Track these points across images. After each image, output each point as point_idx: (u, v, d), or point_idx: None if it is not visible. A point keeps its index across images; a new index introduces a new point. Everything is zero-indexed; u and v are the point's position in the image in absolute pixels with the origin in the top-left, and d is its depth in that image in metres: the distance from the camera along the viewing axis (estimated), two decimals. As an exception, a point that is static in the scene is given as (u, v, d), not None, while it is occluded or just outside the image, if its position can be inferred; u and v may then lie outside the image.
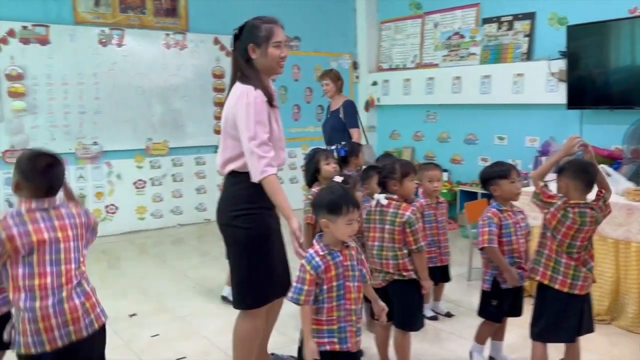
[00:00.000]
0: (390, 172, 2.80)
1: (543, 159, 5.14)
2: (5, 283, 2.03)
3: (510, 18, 5.95)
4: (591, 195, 2.62)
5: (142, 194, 6.44)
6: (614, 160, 4.58)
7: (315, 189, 3.36)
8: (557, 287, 2.59)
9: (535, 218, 3.85)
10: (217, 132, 6.30)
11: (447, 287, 3.90)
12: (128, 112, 6.23)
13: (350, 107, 5.14)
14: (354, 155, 4.12)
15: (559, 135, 5.40)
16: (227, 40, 6.22)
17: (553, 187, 2.70)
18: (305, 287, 2.11)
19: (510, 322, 3.09)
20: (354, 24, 7.74)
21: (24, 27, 5.60)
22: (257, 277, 2.51)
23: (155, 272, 4.96)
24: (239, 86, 2.48)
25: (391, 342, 2.95)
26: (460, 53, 6.43)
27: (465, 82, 6.32)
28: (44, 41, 5.71)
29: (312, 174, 3.61)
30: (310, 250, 2.18)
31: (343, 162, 4.06)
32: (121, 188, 6.30)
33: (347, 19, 7.68)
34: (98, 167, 6.15)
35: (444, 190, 5.87)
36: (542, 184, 2.67)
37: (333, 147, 4.91)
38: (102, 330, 2.20)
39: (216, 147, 2.61)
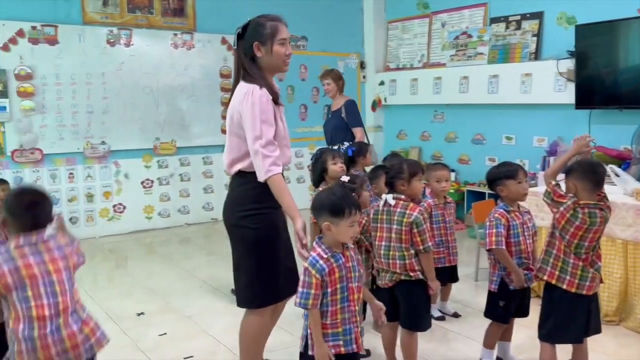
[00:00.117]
0: (397, 172, 2.79)
1: (551, 159, 5.13)
2: (6, 313, 2.06)
3: (518, 17, 5.93)
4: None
5: (149, 193, 6.47)
6: (622, 161, 4.55)
7: (322, 189, 3.36)
8: (564, 287, 2.57)
9: (543, 219, 3.85)
10: (224, 131, 6.33)
11: (454, 287, 3.89)
12: (136, 111, 6.26)
13: (352, 107, 5.15)
14: (362, 155, 4.11)
15: (567, 135, 5.38)
16: (235, 40, 6.23)
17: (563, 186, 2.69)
18: (312, 291, 2.09)
19: (518, 322, 3.08)
20: (361, 23, 7.73)
21: (33, 27, 5.64)
22: (265, 277, 2.51)
23: (163, 271, 4.98)
24: (243, 85, 2.47)
25: (398, 342, 2.94)
26: (468, 53, 6.41)
27: (473, 81, 6.30)
28: (52, 41, 5.75)
29: (319, 174, 3.61)
30: (313, 254, 2.15)
31: (351, 161, 4.06)
32: (129, 187, 6.32)
33: (354, 18, 7.68)
34: (106, 166, 6.18)
35: (451, 191, 5.86)
36: (553, 183, 2.66)
37: (338, 147, 4.93)
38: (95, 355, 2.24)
39: (224, 146, 2.60)
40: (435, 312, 3.71)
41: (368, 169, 4.10)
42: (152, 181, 6.47)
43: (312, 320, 2.13)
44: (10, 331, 2.05)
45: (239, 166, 2.51)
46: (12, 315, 2.03)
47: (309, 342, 2.16)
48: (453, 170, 6.18)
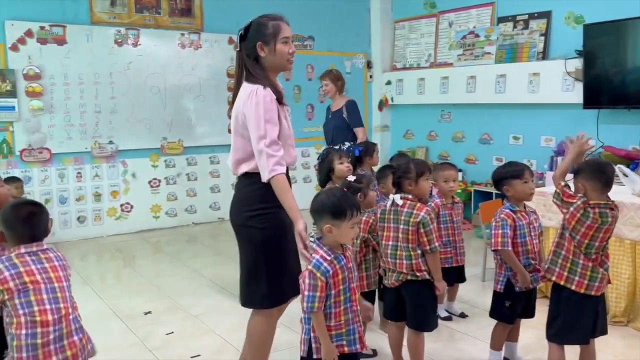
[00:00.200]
0: (405, 171, 2.79)
1: (559, 159, 5.11)
2: (8, 319, 2.07)
3: (525, 17, 5.91)
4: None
5: (156, 192, 6.49)
6: (631, 161, 4.52)
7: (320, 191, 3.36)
8: (573, 287, 2.56)
9: (550, 219, 3.84)
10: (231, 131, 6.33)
11: (461, 287, 3.88)
12: (143, 111, 6.28)
13: (353, 107, 5.16)
14: (368, 155, 4.12)
15: (575, 134, 5.33)
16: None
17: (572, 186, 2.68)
18: (318, 294, 2.08)
19: (525, 322, 3.07)
20: (368, 23, 7.72)
21: (42, 28, 5.67)
22: (273, 277, 2.51)
23: (170, 270, 5.00)
24: (247, 86, 2.48)
25: (405, 342, 2.94)
26: (475, 52, 6.40)
27: (480, 81, 6.28)
28: (61, 41, 5.78)
29: (326, 174, 3.62)
30: (316, 256, 2.14)
31: (357, 161, 4.06)
32: (136, 187, 6.35)
33: (361, 18, 7.67)
34: (113, 166, 6.20)
35: (458, 190, 5.84)
36: (562, 183, 2.65)
37: (339, 147, 4.95)
38: None
39: (230, 146, 2.61)
40: (442, 312, 3.70)
41: (375, 168, 4.10)
42: (160, 180, 6.49)
43: (317, 323, 2.12)
44: (10, 338, 2.05)
45: (244, 168, 2.51)
46: (14, 321, 2.03)
47: (313, 345, 2.15)
48: (460, 170, 6.17)
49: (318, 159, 3.82)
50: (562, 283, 2.60)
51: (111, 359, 3.27)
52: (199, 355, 3.29)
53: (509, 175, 2.89)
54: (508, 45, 6.06)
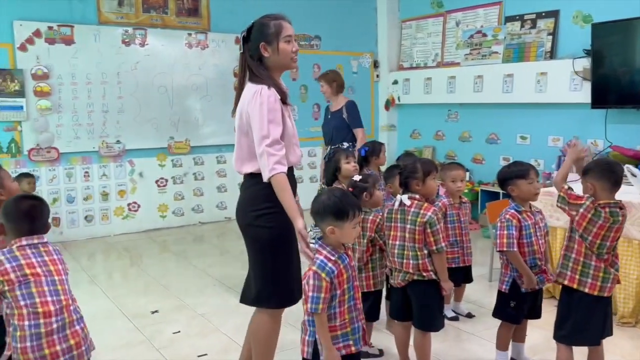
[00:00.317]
0: (412, 171, 2.78)
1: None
2: (9, 310, 2.09)
3: (533, 16, 5.88)
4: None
5: (163, 192, 6.51)
6: (639, 161, 4.50)
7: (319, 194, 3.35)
8: (586, 290, 2.54)
9: (558, 219, 3.82)
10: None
11: (468, 287, 3.87)
12: (150, 111, 6.30)
13: (353, 108, 5.18)
14: (375, 155, 4.11)
15: (583, 134, 5.34)
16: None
17: (576, 189, 2.67)
18: (322, 295, 2.07)
19: (531, 323, 3.06)
20: (374, 22, 7.71)
21: (50, 28, 5.70)
22: (281, 276, 2.51)
23: (177, 269, 5.01)
24: (251, 86, 2.48)
25: (412, 342, 2.94)
26: (483, 52, 6.38)
27: (487, 81, 6.26)
28: (68, 41, 5.80)
29: (333, 173, 3.62)
30: (320, 257, 2.13)
31: (364, 161, 4.07)
32: (143, 186, 6.37)
33: (367, 17, 7.66)
34: (121, 165, 6.23)
35: (465, 190, 5.83)
36: (566, 186, 2.63)
37: (337, 147, 4.96)
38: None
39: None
40: (448, 313, 3.70)
41: (383, 168, 4.10)
42: (166, 180, 6.51)
43: (320, 324, 2.10)
44: (13, 328, 2.07)
45: (249, 168, 2.51)
46: (16, 312, 2.06)
47: (319, 347, 2.14)
48: (467, 170, 6.15)
49: (324, 158, 3.83)
50: (575, 287, 2.58)
51: (118, 357, 3.28)
52: (205, 355, 3.29)
53: (514, 175, 2.87)
54: (515, 44, 6.03)
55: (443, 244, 2.73)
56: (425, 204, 2.75)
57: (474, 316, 3.78)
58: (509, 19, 6.14)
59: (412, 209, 2.74)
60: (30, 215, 2.18)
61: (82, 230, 6.05)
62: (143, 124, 6.28)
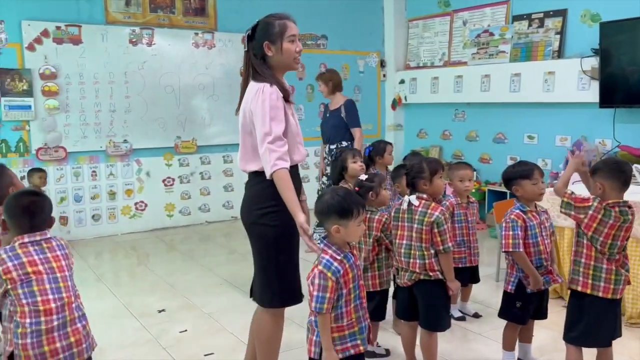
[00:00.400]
0: (418, 171, 2.77)
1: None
2: (12, 308, 2.10)
3: (541, 15, 5.85)
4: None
5: (170, 191, 6.53)
6: (648, 160, 4.47)
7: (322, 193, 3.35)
8: (600, 294, 2.52)
9: (565, 219, 3.78)
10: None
11: (475, 287, 3.86)
12: (157, 110, 6.32)
13: (351, 107, 5.19)
14: (379, 155, 4.11)
15: (591, 134, 5.31)
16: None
17: (576, 189, 2.65)
18: (327, 295, 2.06)
19: (538, 323, 3.05)
20: (381, 22, 7.70)
21: (58, 28, 5.72)
22: (286, 275, 2.50)
23: (183, 268, 5.02)
24: (254, 84, 2.48)
25: (418, 342, 2.93)
26: (490, 51, 6.35)
27: (495, 80, 6.24)
28: (76, 41, 5.83)
29: (339, 172, 3.62)
30: (325, 256, 2.13)
31: (370, 160, 4.06)
32: (150, 185, 6.39)
33: (374, 17, 7.65)
34: (128, 164, 6.25)
35: (472, 190, 5.81)
36: (569, 192, 2.61)
37: (336, 146, 4.97)
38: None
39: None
40: (455, 313, 3.68)
41: (390, 167, 4.09)
42: (173, 179, 6.53)
43: (323, 325, 2.09)
44: (14, 325, 2.09)
45: (253, 167, 2.51)
46: (18, 310, 2.08)
47: None
48: (474, 170, 6.13)
49: (331, 157, 3.83)
50: (588, 292, 2.55)
51: (125, 356, 3.29)
52: (212, 354, 3.30)
53: (518, 175, 2.85)
54: (523, 43, 6.01)
55: (450, 244, 2.72)
56: (433, 204, 2.74)
57: (480, 316, 3.77)
58: (517, 18, 6.11)
59: (420, 209, 2.73)
60: (30, 211, 2.19)
61: (90, 229, 6.07)
62: (150, 124, 6.30)
